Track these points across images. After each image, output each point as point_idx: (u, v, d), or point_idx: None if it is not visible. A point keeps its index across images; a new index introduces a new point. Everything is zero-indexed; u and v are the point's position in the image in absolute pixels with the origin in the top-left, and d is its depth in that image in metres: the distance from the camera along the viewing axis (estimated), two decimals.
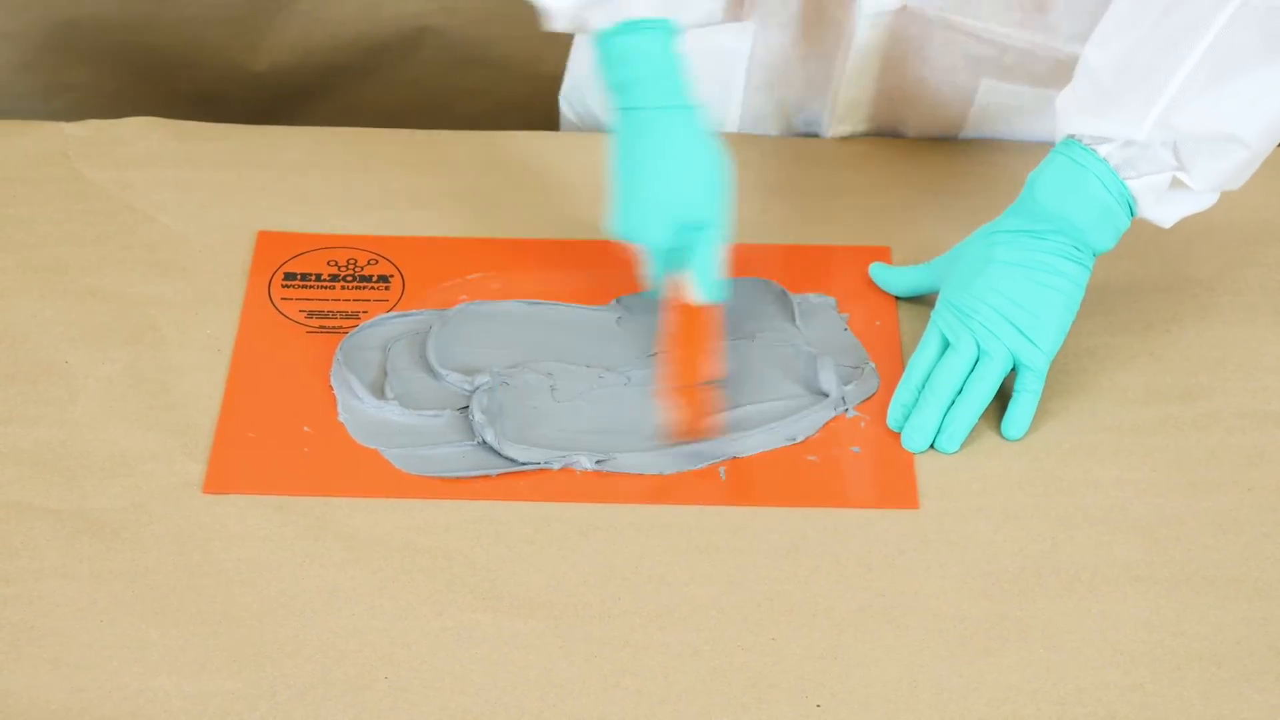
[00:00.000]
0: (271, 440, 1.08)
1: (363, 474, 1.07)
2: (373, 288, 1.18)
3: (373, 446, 1.08)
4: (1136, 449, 1.09)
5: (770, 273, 1.20)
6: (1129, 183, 1.08)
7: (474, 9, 1.68)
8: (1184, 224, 1.24)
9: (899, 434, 1.10)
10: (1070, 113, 1.09)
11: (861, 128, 1.33)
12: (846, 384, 1.12)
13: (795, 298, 1.18)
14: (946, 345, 1.10)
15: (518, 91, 1.74)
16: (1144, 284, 1.20)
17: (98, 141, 1.29)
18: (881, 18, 1.24)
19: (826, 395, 1.11)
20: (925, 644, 0.99)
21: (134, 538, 1.03)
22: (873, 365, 1.14)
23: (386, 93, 1.72)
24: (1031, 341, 1.09)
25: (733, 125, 1.35)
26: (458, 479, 1.07)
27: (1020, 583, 1.02)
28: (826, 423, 1.10)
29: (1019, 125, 1.31)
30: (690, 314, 1.11)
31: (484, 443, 1.08)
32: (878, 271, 1.19)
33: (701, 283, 1.10)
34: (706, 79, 1.32)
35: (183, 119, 1.32)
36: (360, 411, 1.10)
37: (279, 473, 1.07)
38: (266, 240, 1.21)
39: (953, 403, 1.09)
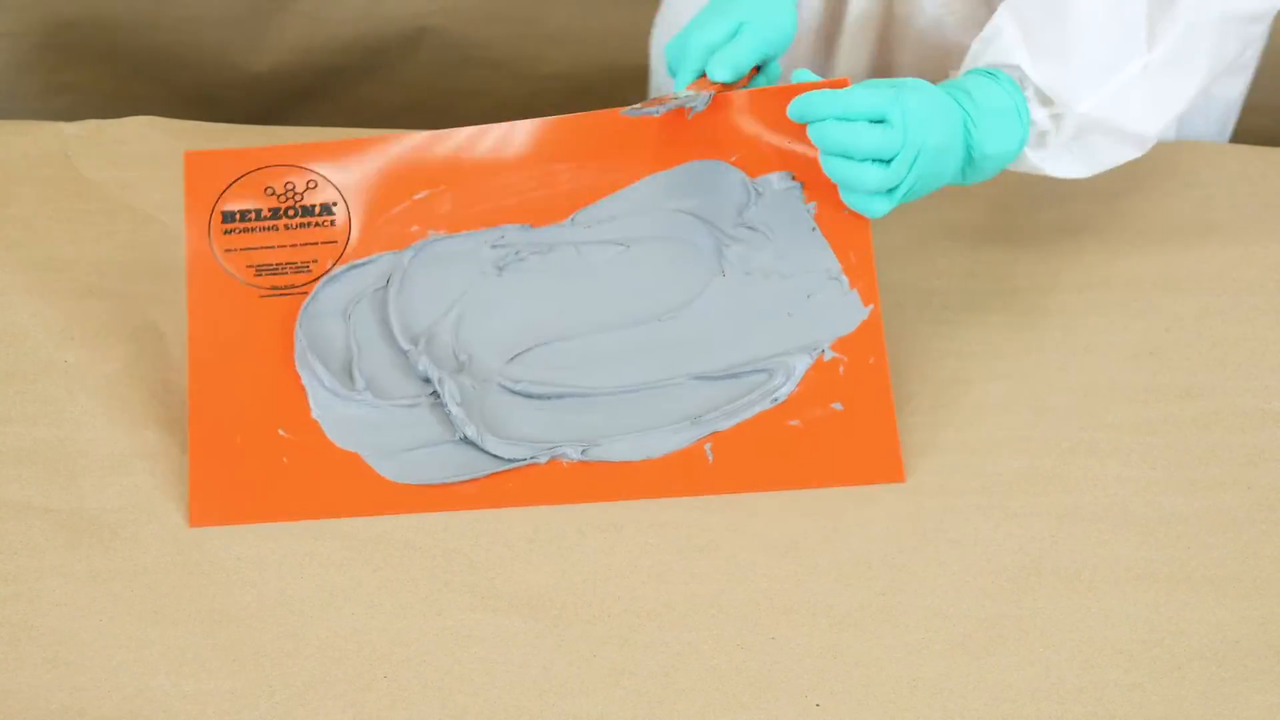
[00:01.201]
0: (249, 456, 1.06)
1: (350, 491, 1.05)
2: (318, 224, 1.13)
3: (352, 449, 1.07)
4: (1136, 447, 1.09)
5: (735, 136, 1.14)
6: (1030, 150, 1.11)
7: (474, 9, 1.68)
8: (1184, 224, 1.24)
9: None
10: (1013, 52, 1.10)
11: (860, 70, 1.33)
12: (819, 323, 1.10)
13: (755, 183, 1.13)
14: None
15: (518, 91, 1.74)
16: (1144, 284, 1.20)
17: (98, 141, 1.29)
18: None
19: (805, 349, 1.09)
20: (925, 643, 0.99)
21: (133, 537, 1.03)
22: (854, 292, 1.11)
23: (386, 93, 1.73)
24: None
25: None
26: (446, 485, 1.06)
27: (1020, 581, 1.02)
28: (806, 373, 1.09)
29: None
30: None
31: (465, 438, 1.08)
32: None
33: (719, 64, 1.10)
34: None
35: (183, 119, 1.32)
36: (333, 407, 1.08)
37: (263, 497, 1.05)
38: (195, 163, 1.14)
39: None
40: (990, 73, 1.09)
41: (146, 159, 1.28)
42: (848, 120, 1.04)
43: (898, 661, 0.98)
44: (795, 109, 1.06)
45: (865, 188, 1.05)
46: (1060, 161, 1.11)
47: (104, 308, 1.17)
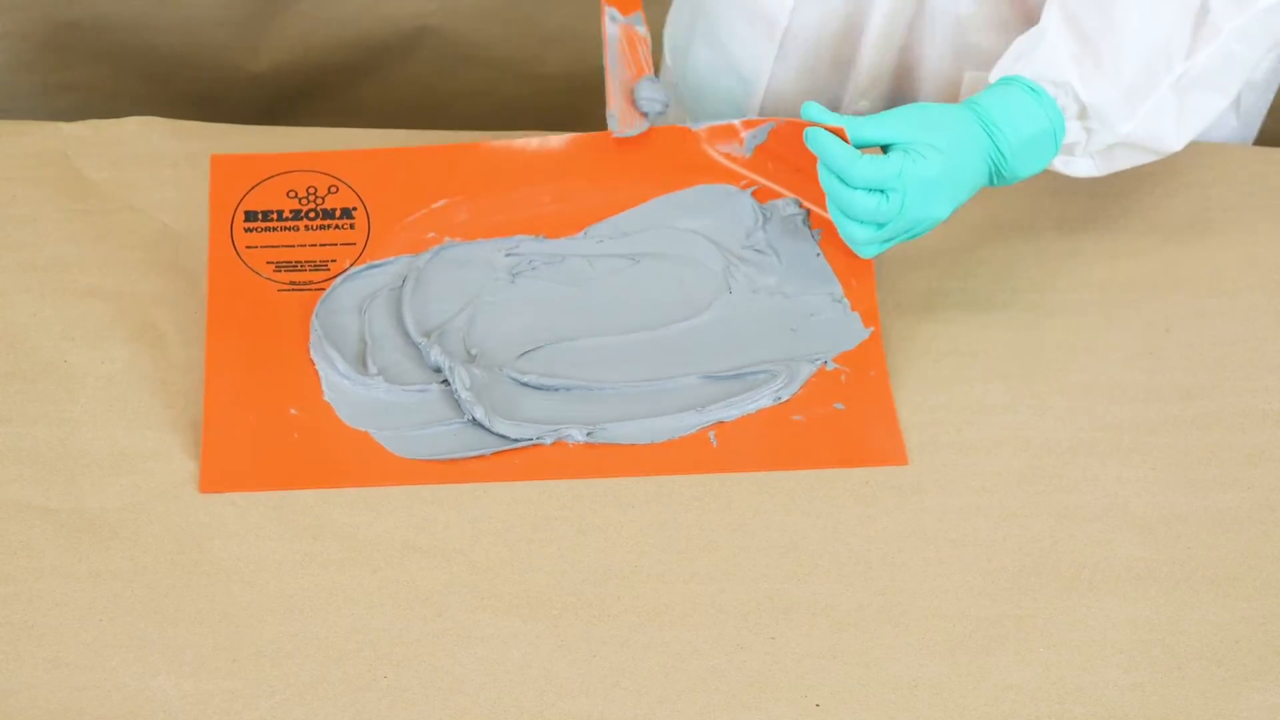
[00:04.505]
0: (260, 430, 1.07)
1: (357, 461, 1.06)
2: (337, 226, 1.16)
3: (362, 429, 1.07)
4: (1136, 447, 1.09)
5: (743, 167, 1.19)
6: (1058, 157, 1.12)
7: (474, 9, 1.69)
8: (1184, 224, 1.24)
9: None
10: (1063, 66, 1.09)
11: (880, 105, 1.32)
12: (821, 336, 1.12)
13: (763, 208, 1.17)
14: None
15: (518, 91, 1.74)
16: (1144, 284, 1.20)
17: (98, 141, 1.29)
18: None
19: (808, 356, 1.11)
20: (925, 643, 0.99)
21: (133, 536, 1.03)
22: (856, 315, 1.13)
23: (386, 93, 1.73)
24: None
25: (757, 97, 1.35)
26: (452, 460, 1.06)
27: (1020, 581, 1.02)
28: (808, 379, 1.10)
29: None
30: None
31: (474, 420, 1.08)
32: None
33: None
34: (742, 45, 1.31)
35: (183, 119, 1.32)
36: (346, 391, 1.09)
37: (273, 466, 1.06)
38: (221, 165, 1.18)
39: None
40: (1033, 89, 1.09)
41: (146, 159, 1.28)
42: (848, 186, 1.06)
43: (898, 661, 0.98)
44: (809, 141, 1.07)
45: (854, 240, 1.08)
46: (1080, 166, 1.12)
47: (104, 308, 1.17)
